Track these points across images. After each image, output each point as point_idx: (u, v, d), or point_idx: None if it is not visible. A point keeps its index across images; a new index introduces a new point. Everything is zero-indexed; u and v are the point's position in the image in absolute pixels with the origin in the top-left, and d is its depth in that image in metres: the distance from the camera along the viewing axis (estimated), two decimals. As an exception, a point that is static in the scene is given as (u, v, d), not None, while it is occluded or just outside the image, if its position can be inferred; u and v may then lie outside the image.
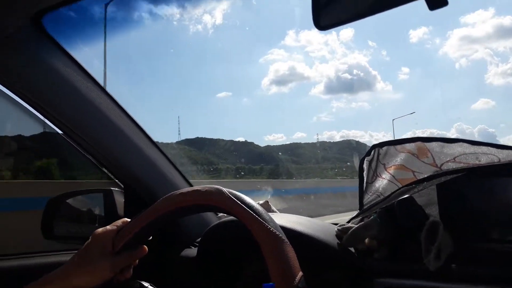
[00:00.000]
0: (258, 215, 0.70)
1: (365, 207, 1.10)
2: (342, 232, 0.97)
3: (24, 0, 0.76)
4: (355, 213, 1.10)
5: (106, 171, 1.25)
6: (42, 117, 1.01)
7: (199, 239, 1.30)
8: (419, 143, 0.90)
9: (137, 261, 0.87)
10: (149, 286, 0.91)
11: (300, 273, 0.65)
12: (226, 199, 0.75)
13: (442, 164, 0.88)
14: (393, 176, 0.99)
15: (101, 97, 1.02)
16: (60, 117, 0.99)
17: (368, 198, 1.09)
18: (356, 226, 0.94)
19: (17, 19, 0.79)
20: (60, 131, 1.08)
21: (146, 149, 1.17)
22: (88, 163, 1.25)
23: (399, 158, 0.96)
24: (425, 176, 0.90)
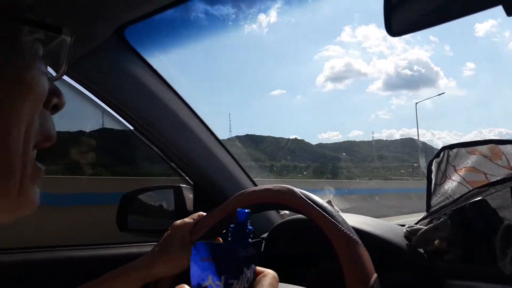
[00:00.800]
0: (331, 217, 0.72)
1: (433, 209, 1.08)
2: (411, 234, 0.96)
3: (109, 15, 0.83)
4: (419, 214, 1.08)
5: (177, 168, 1.33)
6: (121, 119, 1.10)
7: (262, 236, 1.34)
8: (492, 146, 0.87)
9: None
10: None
11: (375, 275, 0.66)
12: (298, 199, 0.77)
13: (517, 167, 0.85)
14: (463, 178, 0.96)
15: (175, 100, 1.10)
16: (139, 119, 1.07)
17: (436, 200, 1.07)
18: (426, 227, 0.93)
19: (103, 31, 0.87)
20: (137, 133, 1.17)
21: (215, 149, 1.23)
22: (160, 162, 1.33)
23: (470, 160, 0.93)
24: (499, 178, 0.88)
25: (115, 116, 1.11)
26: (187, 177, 1.36)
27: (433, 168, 1.03)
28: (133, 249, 1.36)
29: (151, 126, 1.10)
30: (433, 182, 1.05)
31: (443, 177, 1.01)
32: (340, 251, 0.68)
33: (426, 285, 0.91)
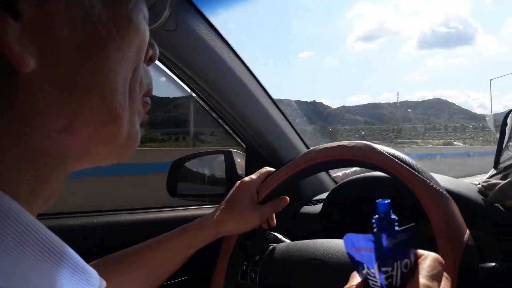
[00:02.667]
0: (418, 172, 0.69)
1: (503, 164, 1.03)
2: (486, 189, 0.92)
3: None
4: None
5: (230, 132, 1.31)
6: (179, 81, 1.08)
7: (315, 198, 1.33)
8: None
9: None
10: (283, 238, 0.96)
11: (468, 232, 0.63)
12: (378, 154, 0.74)
13: None
14: (544, 129, 0.91)
15: (234, 61, 1.07)
16: (198, 78, 1.05)
17: (508, 154, 1.02)
18: (504, 182, 0.89)
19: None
20: (194, 94, 1.15)
21: (270, 111, 1.21)
22: (214, 126, 1.32)
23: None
24: None
25: (173, 79, 1.09)
26: (240, 140, 1.35)
27: (509, 120, 0.98)
28: (185, 212, 1.36)
29: (208, 85, 1.08)
30: (507, 135, 1.00)
31: (522, 129, 0.95)
32: (431, 207, 0.65)
33: (505, 241, 0.88)
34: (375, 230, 0.40)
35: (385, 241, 0.38)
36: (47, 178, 0.32)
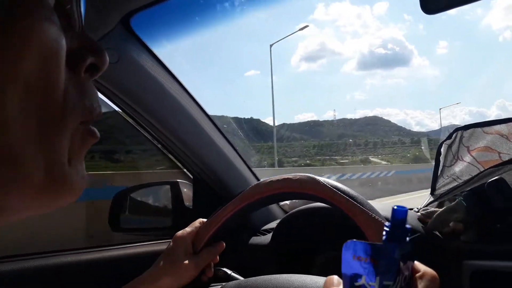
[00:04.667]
0: (361, 205, 0.71)
1: (439, 190, 1.09)
2: (426, 217, 0.97)
3: (115, 3, 0.79)
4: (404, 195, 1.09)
5: (176, 162, 1.28)
6: (117, 109, 1.04)
7: (263, 228, 1.32)
8: (511, 124, 0.88)
9: (218, 257, 0.89)
10: (232, 273, 0.94)
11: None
12: (322, 187, 0.76)
13: (534, 145, 0.87)
14: (474, 158, 0.97)
15: (178, 91, 1.06)
16: (142, 110, 1.03)
17: (443, 181, 1.08)
18: (441, 210, 0.94)
19: (108, 21, 0.82)
20: (136, 125, 1.11)
21: (217, 141, 1.20)
22: (158, 156, 1.28)
23: (485, 140, 0.94)
24: (512, 157, 0.89)
25: (110, 106, 1.05)
26: (186, 171, 1.32)
27: (442, 150, 1.04)
28: (129, 250, 1.29)
29: (152, 117, 1.05)
30: (441, 164, 1.06)
31: (454, 158, 1.02)
32: (374, 238, 0.67)
33: (444, 267, 0.92)
34: (385, 238, 0.37)
35: (396, 252, 0.36)
36: None
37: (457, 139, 1.00)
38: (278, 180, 0.83)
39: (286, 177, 0.82)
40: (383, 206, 1.02)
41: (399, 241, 0.36)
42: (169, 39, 1.01)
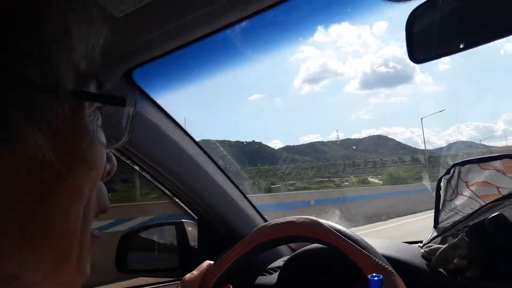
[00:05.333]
0: (364, 249, 0.72)
1: (442, 224, 1.09)
2: (429, 254, 0.97)
3: (118, 60, 0.83)
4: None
5: (180, 203, 1.30)
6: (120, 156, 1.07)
7: (269, 266, 1.32)
8: (506, 160, 0.90)
9: None
10: None
11: None
12: (325, 231, 0.77)
13: (531, 179, 0.88)
14: (474, 193, 0.98)
15: (180, 135, 1.08)
16: (144, 157, 1.05)
17: (444, 215, 1.08)
18: (444, 246, 0.94)
19: (111, 78, 0.86)
20: (139, 169, 1.14)
21: (221, 182, 1.22)
22: (162, 197, 1.30)
23: (483, 175, 0.96)
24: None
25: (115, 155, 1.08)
26: (190, 212, 1.33)
27: (442, 184, 1.05)
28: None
29: (155, 163, 1.08)
30: (442, 198, 1.07)
31: (454, 193, 1.02)
32: None
33: None
34: None
35: None
36: None
37: (456, 174, 1.01)
38: (282, 223, 0.84)
39: (289, 220, 0.83)
40: (385, 244, 1.03)
41: None
42: (171, 88, 1.05)
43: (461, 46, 0.61)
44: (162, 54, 0.84)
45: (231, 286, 0.89)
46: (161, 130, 1.02)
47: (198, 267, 0.89)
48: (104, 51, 0.37)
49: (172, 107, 1.04)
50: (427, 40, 0.64)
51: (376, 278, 0.40)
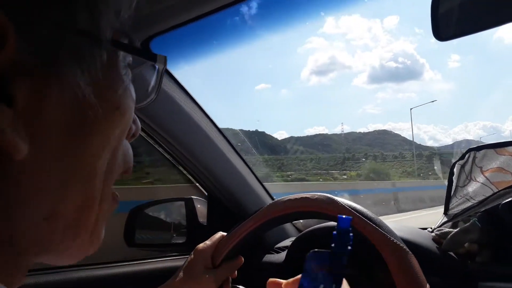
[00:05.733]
0: (379, 227, 0.71)
1: (452, 210, 1.09)
2: (440, 237, 0.97)
3: (136, 28, 0.82)
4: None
5: (192, 179, 1.30)
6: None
7: (277, 245, 1.33)
8: (524, 145, 0.89)
9: (236, 273, 0.90)
10: None
11: (427, 285, 0.66)
12: (340, 208, 0.76)
13: (548, 166, 0.87)
14: (487, 179, 0.98)
15: (194, 109, 1.08)
16: (157, 127, 1.05)
17: (456, 201, 1.08)
18: (455, 230, 0.94)
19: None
20: (153, 143, 1.14)
21: (233, 159, 1.22)
22: (174, 172, 1.30)
23: (498, 161, 0.95)
24: (527, 178, 0.90)
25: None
26: (202, 188, 1.34)
27: (455, 170, 1.05)
28: (146, 266, 1.31)
29: (168, 135, 1.08)
30: (454, 184, 1.07)
31: (467, 178, 1.02)
32: (391, 261, 0.67)
33: None
34: (333, 246, 0.39)
35: (343, 261, 0.38)
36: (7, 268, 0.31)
37: (470, 160, 1.00)
38: (296, 199, 0.84)
39: (304, 196, 0.83)
40: (398, 226, 1.03)
41: (346, 250, 0.38)
42: (187, 61, 1.04)
43: (486, 23, 0.60)
44: (179, 24, 0.83)
45: (243, 259, 0.90)
46: (177, 103, 1.02)
47: (211, 237, 0.89)
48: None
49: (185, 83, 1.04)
50: (452, 16, 0.63)
51: (344, 216, 0.40)
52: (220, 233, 0.90)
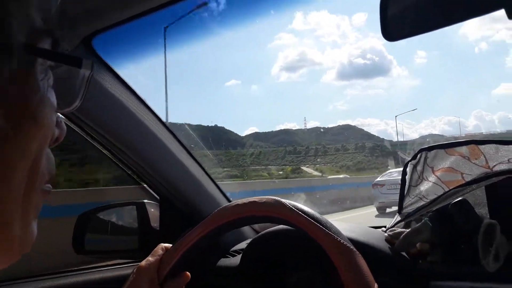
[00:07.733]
0: (326, 228, 0.70)
1: (406, 209, 1.10)
2: (392, 237, 0.97)
3: (77, 24, 0.76)
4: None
5: (141, 183, 1.25)
6: (77, 129, 1.00)
7: (233, 248, 1.30)
8: (472, 146, 0.90)
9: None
10: None
11: (376, 285, 0.65)
12: (288, 211, 0.75)
13: (494, 166, 0.89)
14: (439, 178, 0.99)
15: (143, 110, 1.03)
16: (102, 130, 0.99)
17: (409, 201, 1.09)
18: (407, 230, 0.94)
19: (69, 41, 0.79)
20: (99, 146, 1.08)
21: (185, 161, 1.17)
22: (123, 177, 1.24)
23: (448, 161, 0.96)
24: (475, 177, 0.91)
25: (71, 127, 1.01)
26: (152, 191, 1.28)
27: (408, 170, 1.06)
28: (96, 275, 1.24)
29: (115, 138, 1.02)
30: (407, 183, 1.08)
31: (419, 178, 1.03)
32: (338, 262, 0.67)
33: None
34: None
35: None
36: None
37: (422, 160, 1.01)
38: (244, 204, 0.81)
39: (252, 200, 0.81)
40: (350, 227, 1.02)
41: None
42: (132, 60, 0.99)
43: (436, 23, 0.60)
44: (122, 21, 0.78)
45: (189, 274, 0.85)
46: (120, 101, 0.95)
47: (153, 252, 0.83)
48: (62, 9, 0.36)
49: (132, 79, 0.98)
50: (401, 16, 0.62)
51: None
52: (162, 245, 0.84)
